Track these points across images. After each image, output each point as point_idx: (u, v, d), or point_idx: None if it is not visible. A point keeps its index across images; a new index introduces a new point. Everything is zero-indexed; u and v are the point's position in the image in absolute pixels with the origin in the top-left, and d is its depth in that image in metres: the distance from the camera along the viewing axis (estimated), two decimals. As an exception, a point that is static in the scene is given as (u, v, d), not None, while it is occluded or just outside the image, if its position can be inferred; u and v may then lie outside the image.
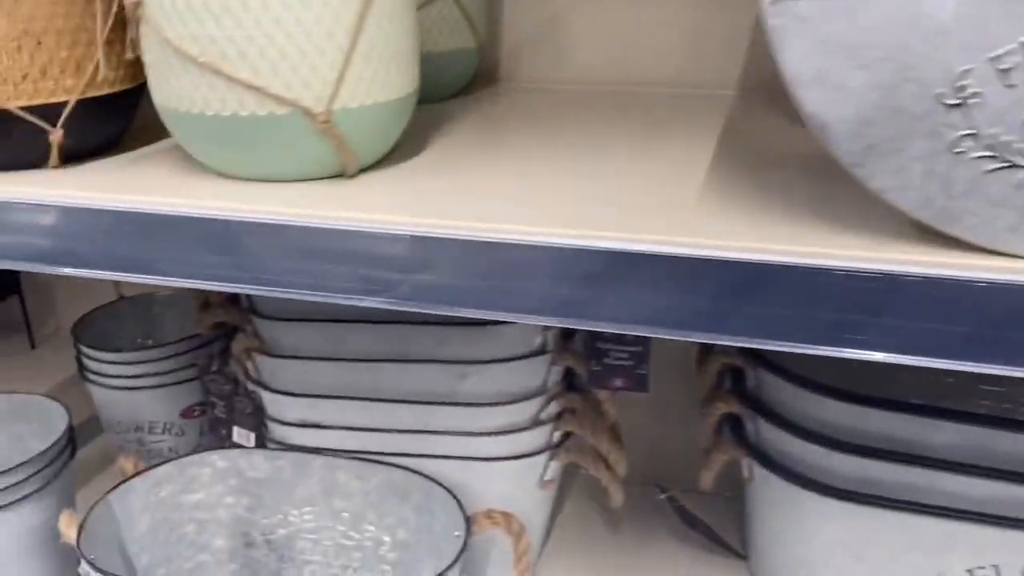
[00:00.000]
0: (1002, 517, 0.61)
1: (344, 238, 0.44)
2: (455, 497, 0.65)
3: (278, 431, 0.73)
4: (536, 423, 0.70)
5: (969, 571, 0.64)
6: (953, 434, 0.61)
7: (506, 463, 0.70)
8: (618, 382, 0.66)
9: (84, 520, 0.63)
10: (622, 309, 0.40)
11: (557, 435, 0.73)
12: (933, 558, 0.65)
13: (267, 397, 0.72)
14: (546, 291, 0.40)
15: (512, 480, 0.72)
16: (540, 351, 0.68)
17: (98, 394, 0.89)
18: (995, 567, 0.63)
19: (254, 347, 0.71)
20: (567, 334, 0.70)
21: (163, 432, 0.89)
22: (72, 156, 0.55)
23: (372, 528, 0.71)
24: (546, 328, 0.68)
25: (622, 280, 0.39)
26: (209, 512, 0.73)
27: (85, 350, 0.87)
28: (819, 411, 0.64)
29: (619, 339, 0.66)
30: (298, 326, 0.68)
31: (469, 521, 0.63)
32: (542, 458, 0.72)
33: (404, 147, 0.56)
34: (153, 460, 0.90)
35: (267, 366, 0.71)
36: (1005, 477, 0.60)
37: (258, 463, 0.72)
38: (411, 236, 0.43)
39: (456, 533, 0.64)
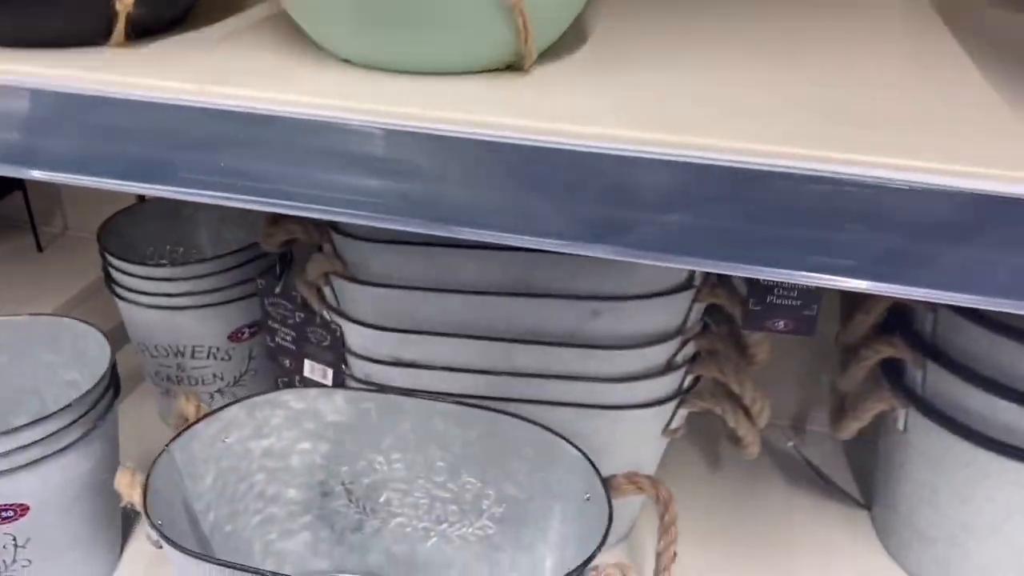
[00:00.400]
0: None
1: (551, 158, 0.32)
2: (585, 455, 0.55)
3: (362, 368, 0.62)
4: (670, 367, 0.60)
5: None
6: None
7: (632, 411, 0.60)
8: (780, 324, 0.56)
9: (148, 478, 0.53)
10: (972, 273, 0.29)
11: (689, 379, 0.63)
12: None
13: (351, 329, 0.61)
14: (865, 242, 0.29)
15: (635, 430, 0.62)
16: (685, 286, 0.57)
17: (130, 312, 0.77)
18: None
19: (336, 270, 0.60)
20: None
21: (207, 357, 0.78)
22: (141, 30, 0.41)
23: (473, 480, 0.61)
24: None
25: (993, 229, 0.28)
26: (281, 460, 0.63)
27: (115, 262, 0.75)
28: (1016, 364, 0.55)
29: (786, 275, 0.55)
30: (397, 250, 0.56)
31: (606, 484, 0.54)
32: (671, 405, 0.62)
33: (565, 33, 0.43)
34: (194, 387, 0.80)
35: (351, 293, 0.60)
36: None
37: (340, 405, 0.61)
38: (647, 159, 0.31)
39: (586, 496, 0.54)
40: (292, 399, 0.61)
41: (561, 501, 0.57)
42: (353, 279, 0.59)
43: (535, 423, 0.58)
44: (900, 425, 0.64)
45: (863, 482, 0.77)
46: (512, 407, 0.60)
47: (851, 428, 0.66)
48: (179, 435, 0.57)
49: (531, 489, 0.59)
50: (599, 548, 0.48)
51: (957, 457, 0.60)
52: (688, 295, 0.58)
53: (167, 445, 0.56)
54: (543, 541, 0.59)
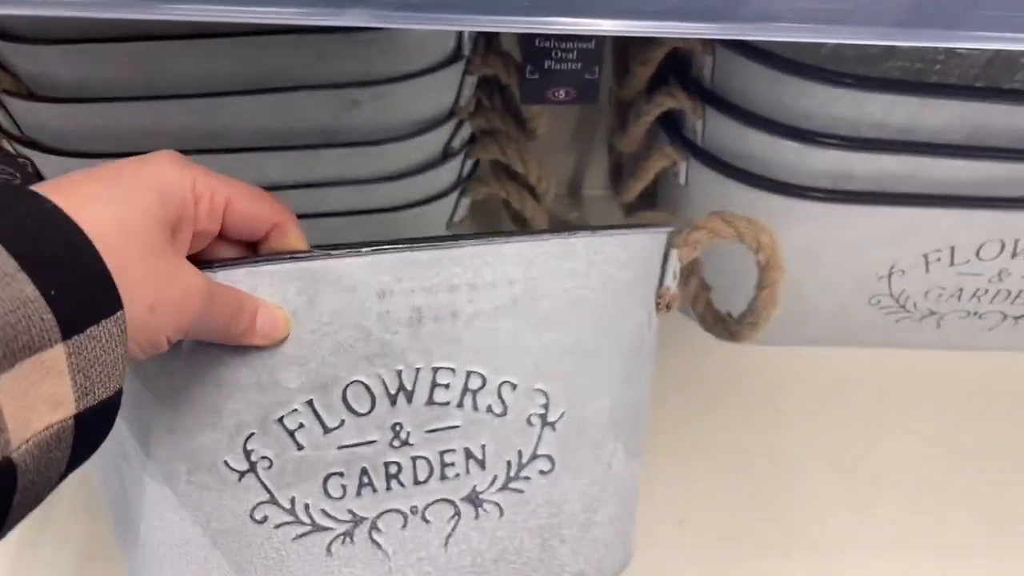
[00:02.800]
0: (975, 198, 0.57)
1: None
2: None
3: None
4: (448, 154, 0.53)
5: (925, 255, 0.60)
6: (950, 114, 0.52)
7: (412, 211, 0.54)
8: (562, 92, 0.50)
9: None
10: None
11: (468, 165, 0.56)
12: (892, 248, 0.60)
13: (46, 161, 0.48)
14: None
15: (417, 229, 0.56)
16: (453, 58, 0.49)
17: None
18: (951, 248, 0.60)
19: (7, 87, 0.45)
20: (486, 36, 0.51)
21: None
22: None
23: None
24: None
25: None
26: None
27: None
28: (798, 101, 0.53)
29: (564, 36, 0.48)
30: (86, 51, 0.43)
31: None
32: (452, 197, 0.56)
33: None
34: None
35: (36, 115, 0.46)
36: (993, 155, 0.54)
37: None
38: None
39: None
40: None
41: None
42: (32, 96, 0.45)
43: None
44: (681, 179, 0.62)
45: (643, 240, 0.76)
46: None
47: (635, 189, 0.63)
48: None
49: None
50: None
51: (739, 205, 0.59)
52: (458, 68, 0.50)
53: None
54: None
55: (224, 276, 0.29)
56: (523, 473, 0.35)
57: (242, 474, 0.31)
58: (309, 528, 0.33)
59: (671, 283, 0.38)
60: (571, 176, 0.82)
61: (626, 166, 0.69)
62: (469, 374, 0.32)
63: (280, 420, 0.31)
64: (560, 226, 0.73)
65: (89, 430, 0.23)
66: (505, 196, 0.57)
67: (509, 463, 0.34)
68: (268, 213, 0.31)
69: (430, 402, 0.32)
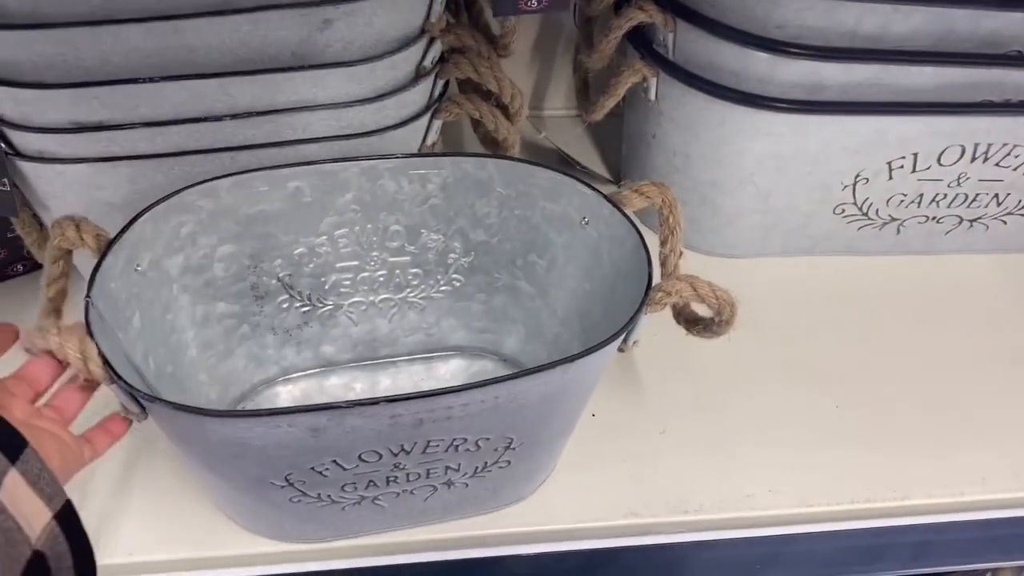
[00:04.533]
0: (941, 104, 0.58)
1: None
2: (575, 177, 0.48)
3: (32, 143, 0.47)
4: (420, 74, 0.52)
5: (889, 163, 0.62)
6: (920, 20, 0.53)
7: (385, 134, 0.52)
8: (534, 1, 0.49)
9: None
10: None
11: (439, 85, 0.55)
12: (858, 156, 0.61)
13: (1, 94, 0.45)
14: None
15: (389, 152, 0.54)
16: (423, -28, 0.48)
17: None
18: (914, 155, 0.61)
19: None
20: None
21: None
22: None
23: (436, 236, 0.53)
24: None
25: None
26: (202, 274, 0.49)
27: None
28: (771, 12, 0.53)
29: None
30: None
31: (616, 202, 0.47)
32: (424, 119, 0.55)
33: None
34: None
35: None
36: (961, 60, 0.55)
37: (262, 191, 0.48)
38: None
39: (583, 219, 0.49)
40: (198, 198, 0.47)
41: (552, 230, 0.51)
42: (-20, 24, 0.42)
43: (504, 157, 0.50)
44: (651, 95, 0.62)
45: (610, 160, 0.76)
46: (242, 156, 0.50)
47: (605, 106, 0.63)
48: (92, 280, 0.41)
49: (504, 230, 0.52)
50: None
51: (710, 118, 0.60)
52: (428, -17, 0.49)
53: (87, 296, 0.40)
54: (526, 279, 0.54)
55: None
56: (487, 470, 0.46)
57: (283, 486, 0.43)
58: (329, 503, 0.45)
59: (636, 338, 0.44)
60: (532, 97, 0.82)
61: (592, 84, 0.68)
62: (455, 439, 0.41)
63: (312, 468, 0.41)
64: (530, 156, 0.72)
65: (70, 525, 0.34)
66: (478, 116, 0.56)
67: (477, 467, 0.46)
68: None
69: (423, 453, 0.42)
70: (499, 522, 0.52)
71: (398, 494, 0.46)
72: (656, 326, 0.62)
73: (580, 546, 0.51)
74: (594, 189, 0.48)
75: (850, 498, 0.55)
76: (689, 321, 0.47)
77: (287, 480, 0.42)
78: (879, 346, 0.64)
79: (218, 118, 0.48)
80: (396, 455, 0.41)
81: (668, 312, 0.63)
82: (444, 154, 0.50)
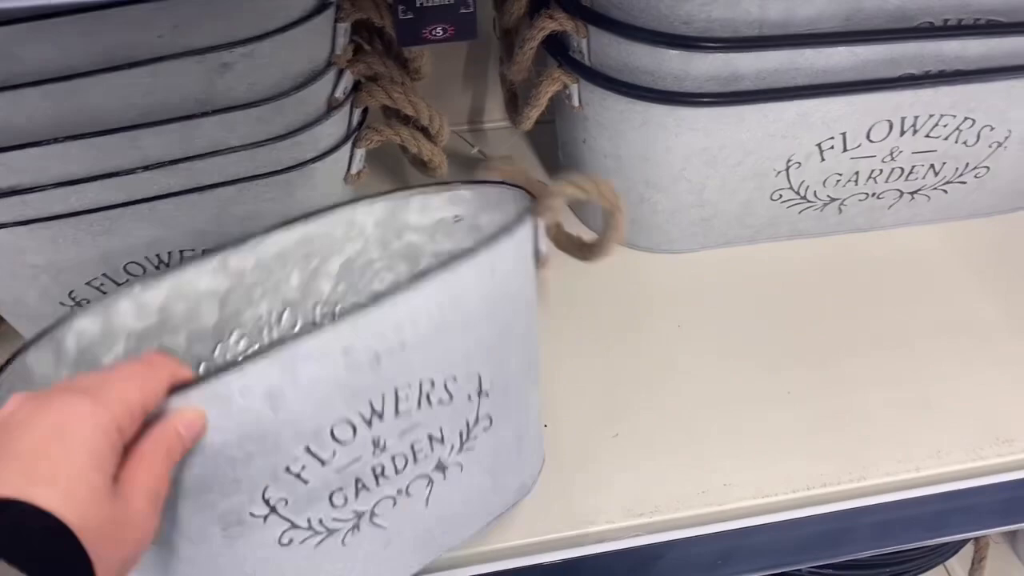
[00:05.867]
0: (860, 82, 0.58)
1: None
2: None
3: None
4: (332, 106, 0.52)
5: (818, 145, 0.62)
6: (824, 2, 0.53)
7: (304, 169, 0.53)
8: (439, 31, 0.49)
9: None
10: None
11: (357, 115, 0.55)
12: (786, 142, 0.61)
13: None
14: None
15: (314, 187, 0.55)
16: (321, 7, 0.48)
17: None
18: (843, 135, 0.61)
19: None
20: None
21: None
22: None
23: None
24: (323, -30, 0.47)
25: None
26: None
27: None
28: (675, 8, 0.53)
29: (431, -32, 0.47)
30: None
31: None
32: (345, 150, 0.55)
33: None
34: None
35: None
36: (871, 38, 0.55)
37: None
38: None
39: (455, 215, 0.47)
40: (90, 324, 0.39)
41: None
42: None
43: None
44: (575, 101, 0.62)
45: (550, 166, 0.76)
46: (159, 205, 0.50)
47: (531, 117, 0.63)
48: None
49: None
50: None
51: (632, 119, 0.60)
52: (328, 16, 0.49)
53: None
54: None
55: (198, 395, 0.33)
56: (472, 434, 0.44)
57: (265, 517, 0.38)
58: (325, 534, 0.41)
59: (543, 247, 0.42)
60: (471, 110, 0.82)
61: (520, 95, 0.68)
62: (422, 382, 0.39)
63: (287, 469, 0.37)
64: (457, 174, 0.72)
65: None
66: (400, 141, 0.56)
67: (461, 432, 0.43)
68: (165, 379, 0.32)
69: (396, 414, 0.39)
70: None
71: (394, 500, 0.42)
72: (600, 330, 0.62)
73: (536, 560, 0.51)
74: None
75: (806, 484, 0.55)
76: (577, 246, 0.46)
77: (267, 503, 0.37)
78: (829, 327, 0.64)
79: (130, 171, 0.48)
80: (370, 424, 0.38)
81: (612, 317, 0.63)
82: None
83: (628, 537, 0.53)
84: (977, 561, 0.82)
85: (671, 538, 0.53)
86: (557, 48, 0.60)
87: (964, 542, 0.84)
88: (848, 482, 0.55)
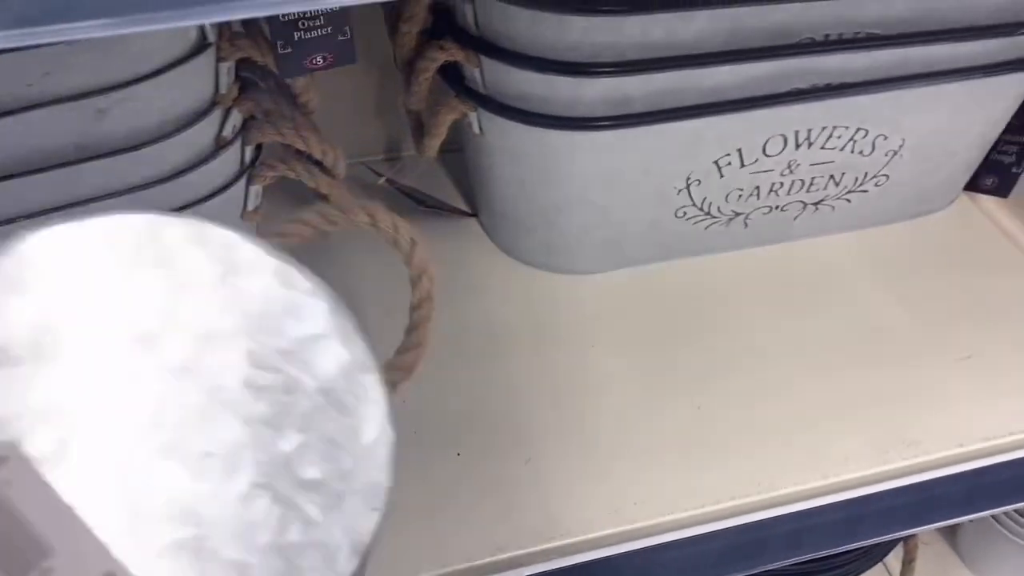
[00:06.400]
0: (748, 99, 0.59)
1: None
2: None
3: None
4: (221, 145, 0.52)
5: (715, 162, 0.62)
6: (704, 22, 0.54)
7: (194, 208, 0.52)
8: (319, 59, 0.49)
9: None
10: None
11: (249, 151, 0.55)
12: (683, 161, 0.62)
13: None
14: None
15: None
16: (199, 48, 0.48)
17: None
18: (739, 151, 0.62)
19: None
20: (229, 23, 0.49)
21: None
22: None
23: None
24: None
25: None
26: None
27: None
28: (560, 35, 0.54)
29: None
30: None
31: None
32: (239, 187, 0.55)
33: None
34: None
35: None
36: (754, 56, 0.56)
37: None
38: None
39: None
40: None
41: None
42: None
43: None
44: (476, 128, 0.62)
45: (467, 192, 0.77)
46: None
47: (432, 146, 0.63)
48: None
49: None
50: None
51: (532, 145, 0.60)
52: (209, 56, 0.49)
53: None
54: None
55: None
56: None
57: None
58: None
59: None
60: (387, 140, 0.82)
61: (426, 123, 0.68)
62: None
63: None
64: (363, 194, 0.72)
65: None
66: (294, 176, 0.56)
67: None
68: None
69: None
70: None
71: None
72: (512, 353, 0.62)
73: (444, 591, 0.51)
74: None
75: (715, 498, 0.55)
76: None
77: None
78: (738, 341, 0.64)
79: (10, 220, 0.47)
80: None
81: (524, 339, 0.63)
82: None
83: (539, 562, 0.53)
84: (907, 563, 0.83)
85: (580, 561, 0.53)
86: (454, 77, 0.61)
87: (894, 542, 0.85)
88: (757, 494, 0.56)
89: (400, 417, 0.58)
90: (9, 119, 0.44)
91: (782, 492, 0.56)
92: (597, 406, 0.60)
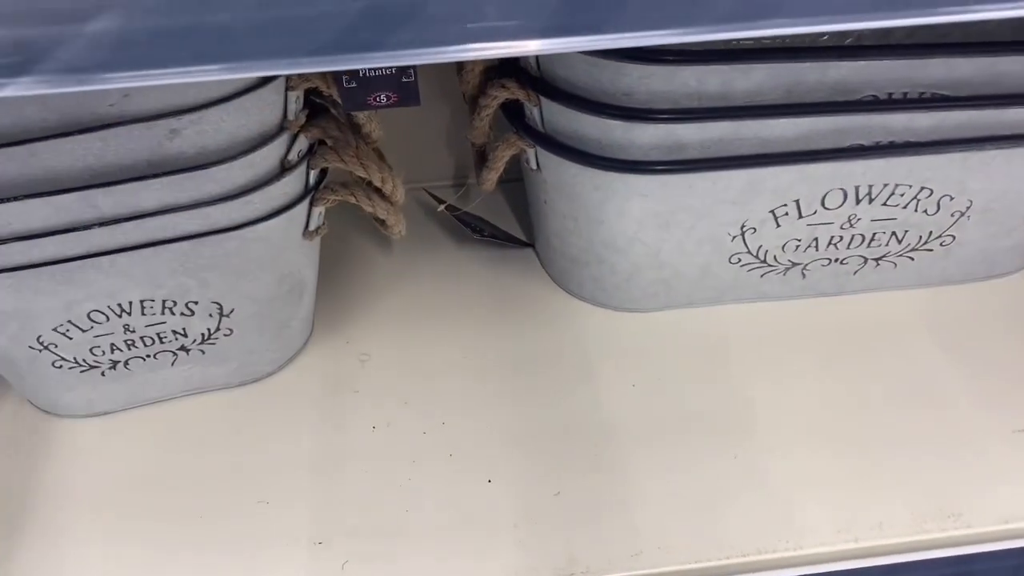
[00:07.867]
0: (807, 152, 0.59)
1: None
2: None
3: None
4: (286, 168, 0.55)
5: (772, 211, 0.62)
6: (763, 75, 0.54)
7: (258, 226, 0.55)
8: (383, 98, 0.52)
9: None
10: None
11: (314, 175, 0.58)
12: (737, 208, 0.62)
13: None
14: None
15: (270, 242, 0.57)
16: (268, 78, 0.51)
17: None
18: (796, 202, 0.62)
19: None
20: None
21: None
22: None
23: None
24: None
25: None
26: None
27: None
28: (616, 81, 0.55)
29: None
30: None
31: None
32: (302, 208, 0.58)
33: None
34: None
35: None
36: (813, 111, 0.56)
37: None
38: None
39: None
40: None
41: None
42: None
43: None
44: (533, 164, 0.64)
45: (526, 223, 0.78)
46: (118, 259, 0.53)
47: (490, 179, 0.65)
48: None
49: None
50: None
51: (585, 184, 0.61)
52: (279, 85, 0.52)
53: None
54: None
55: None
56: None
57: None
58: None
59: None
60: (455, 168, 0.84)
61: (487, 157, 0.70)
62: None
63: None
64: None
65: None
66: (354, 201, 0.58)
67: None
68: None
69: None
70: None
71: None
72: (553, 386, 0.63)
73: (460, 616, 0.52)
74: None
75: (741, 551, 0.55)
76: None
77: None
78: (783, 391, 0.64)
79: (87, 226, 0.51)
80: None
81: (566, 373, 0.64)
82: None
83: (557, 597, 0.53)
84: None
85: (600, 599, 0.53)
86: (514, 114, 0.62)
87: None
88: (784, 550, 0.55)
89: (435, 438, 0.60)
90: (91, 135, 0.47)
91: (809, 552, 0.55)
92: (633, 445, 0.61)
